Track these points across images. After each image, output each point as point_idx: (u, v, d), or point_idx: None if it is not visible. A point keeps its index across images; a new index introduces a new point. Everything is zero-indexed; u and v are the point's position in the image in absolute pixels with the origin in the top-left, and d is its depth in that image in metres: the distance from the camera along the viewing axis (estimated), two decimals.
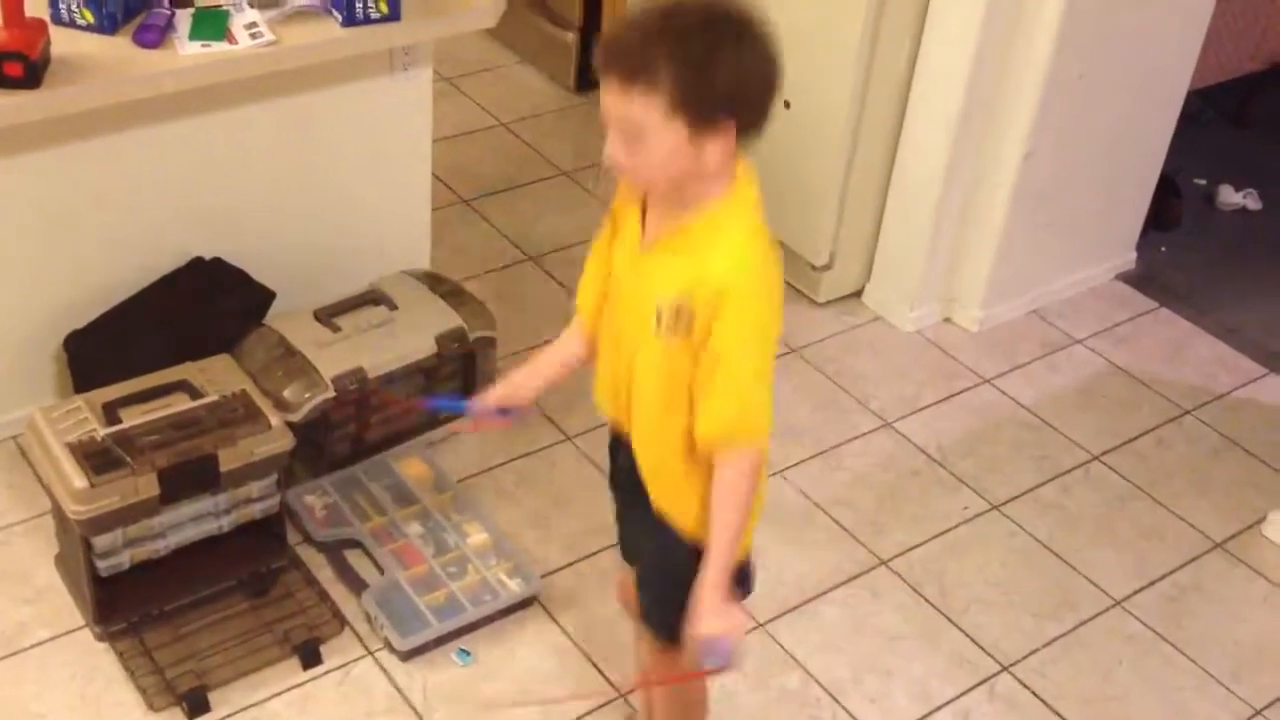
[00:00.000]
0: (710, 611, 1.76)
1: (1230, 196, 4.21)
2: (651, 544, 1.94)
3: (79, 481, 2.28)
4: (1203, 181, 4.27)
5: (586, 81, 4.33)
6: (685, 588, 1.81)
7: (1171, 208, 3.97)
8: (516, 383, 2.00)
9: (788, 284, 3.57)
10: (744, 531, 1.80)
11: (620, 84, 1.59)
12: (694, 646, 1.78)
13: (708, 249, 1.68)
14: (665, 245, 1.72)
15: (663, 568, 1.93)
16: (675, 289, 1.68)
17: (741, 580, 1.89)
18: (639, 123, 1.60)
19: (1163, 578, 2.89)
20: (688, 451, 1.78)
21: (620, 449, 1.93)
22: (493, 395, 2.01)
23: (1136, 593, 2.85)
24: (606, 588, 2.59)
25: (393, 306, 2.88)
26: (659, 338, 1.71)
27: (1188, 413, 3.36)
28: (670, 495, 1.85)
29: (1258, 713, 2.62)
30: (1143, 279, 3.81)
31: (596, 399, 1.93)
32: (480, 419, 2.02)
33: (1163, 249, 3.94)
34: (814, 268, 3.52)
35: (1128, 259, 3.83)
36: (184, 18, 2.56)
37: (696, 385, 1.72)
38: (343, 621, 2.55)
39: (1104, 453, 3.20)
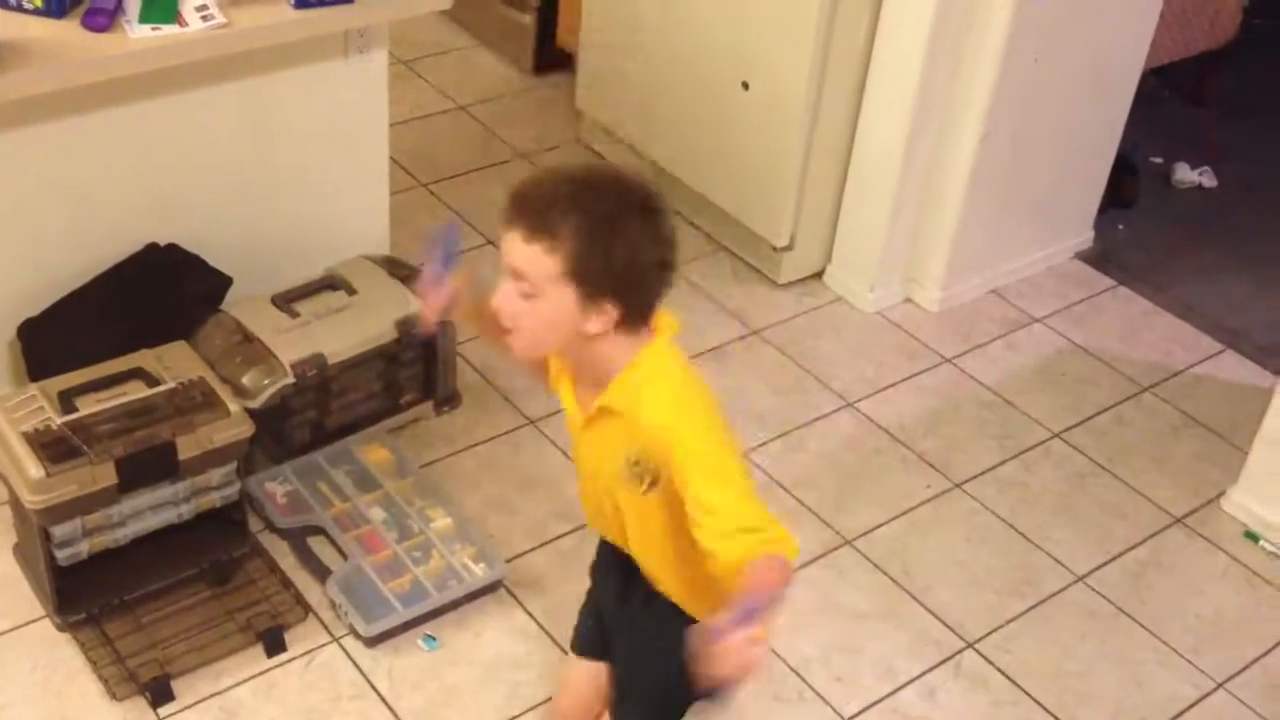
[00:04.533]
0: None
1: (1186, 174, 4.24)
2: (652, 644, 1.89)
3: (35, 471, 2.25)
4: (1159, 160, 4.30)
5: (545, 64, 4.31)
6: (682, 690, 1.80)
7: (1128, 186, 3.99)
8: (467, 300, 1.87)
9: (748, 265, 3.62)
10: (771, 598, 1.58)
11: (524, 236, 1.61)
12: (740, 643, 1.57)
13: (636, 410, 1.68)
14: (599, 419, 1.73)
15: (662, 673, 1.87)
16: (624, 457, 1.70)
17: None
18: (533, 277, 1.62)
19: (1124, 553, 2.91)
20: (703, 579, 1.73)
21: (610, 558, 1.94)
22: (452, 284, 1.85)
23: (1098, 568, 2.87)
24: (572, 571, 2.58)
25: (351, 291, 2.86)
26: (640, 497, 1.72)
27: (1146, 390, 3.39)
28: (689, 602, 1.83)
29: (1219, 685, 2.64)
30: (1101, 258, 3.84)
31: (586, 516, 1.93)
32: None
33: (1120, 227, 3.96)
34: (774, 249, 3.52)
35: (1085, 238, 3.85)
36: (133, 0, 2.53)
37: (693, 531, 1.66)
38: (306, 608, 2.54)
39: (1064, 430, 3.22)
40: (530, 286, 1.62)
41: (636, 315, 1.67)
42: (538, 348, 1.74)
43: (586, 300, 1.62)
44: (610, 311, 1.63)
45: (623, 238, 1.61)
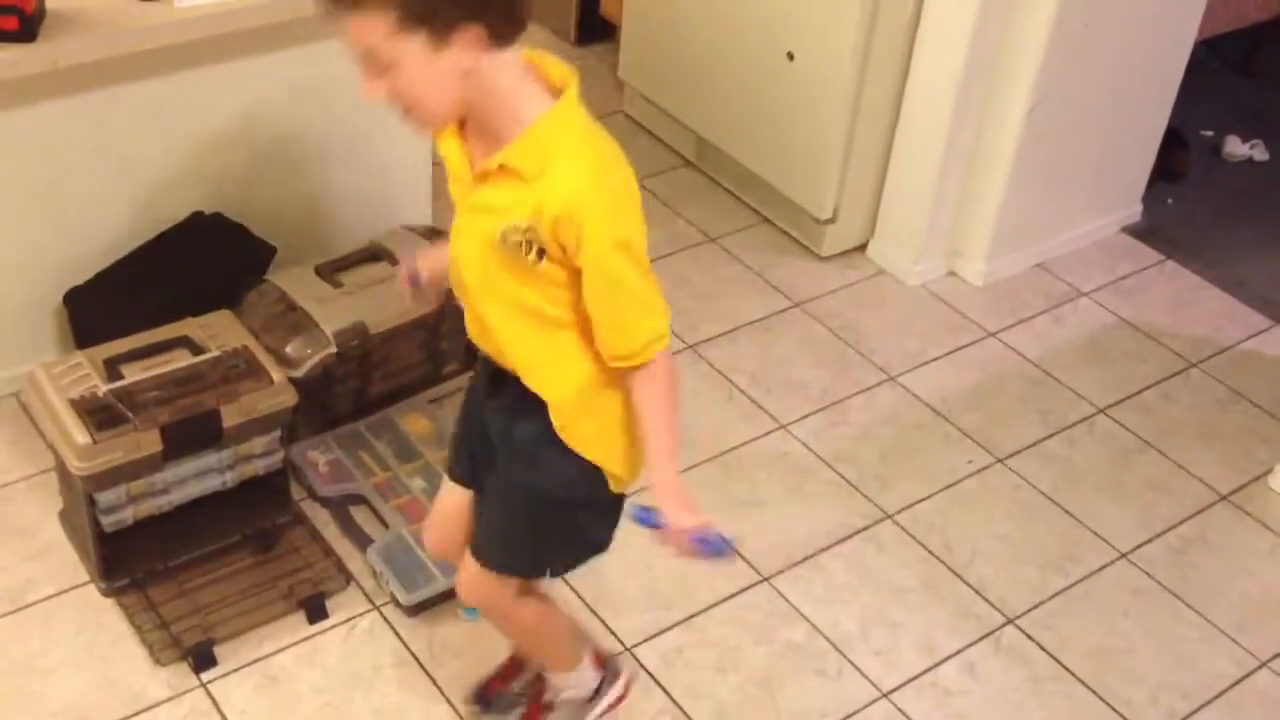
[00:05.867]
0: (683, 508, 1.70)
1: (1237, 148, 4.19)
2: (521, 476, 1.86)
3: (81, 437, 2.27)
4: (1209, 133, 4.24)
5: (588, 33, 4.30)
6: (540, 522, 1.84)
7: (1178, 160, 3.94)
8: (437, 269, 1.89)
9: (791, 237, 3.60)
10: (678, 425, 1.71)
11: (344, 13, 1.47)
12: (686, 542, 1.72)
13: (542, 175, 1.55)
14: (494, 178, 1.60)
15: (524, 501, 1.88)
16: (515, 220, 1.58)
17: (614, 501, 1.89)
18: (375, 48, 1.48)
19: (1168, 530, 2.89)
20: (566, 371, 1.74)
21: (491, 378, 1.85)
22: (423, 263, 1.92)
23: (1142, 545, 2.84)
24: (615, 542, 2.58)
25: (394, 262, 2.86)
26: (502, 264, 1.62)
27: (1193, 365, 3.35)
28: (564, 418, 1.78)
29: (1263, 664, 2.62)
30: (1149, 231, 3.79)
31: (469, 334, 1.83)
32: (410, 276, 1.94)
33: (1169, 201, 3.91)
34: (818, 221, 3.50)
35: (1134, 211, 3.81)
36: None
37: (589, 311, 1.64)
38: (348, 576, 2.55)
39: (1109, 406, 3.19)
40: (380, 58, 1.49)
41: (504, 26, 1.52)
42: (438, 117, 1.59)
43: (439, 37, 1.47)
44: (473, 33, 1.49)
45: None
